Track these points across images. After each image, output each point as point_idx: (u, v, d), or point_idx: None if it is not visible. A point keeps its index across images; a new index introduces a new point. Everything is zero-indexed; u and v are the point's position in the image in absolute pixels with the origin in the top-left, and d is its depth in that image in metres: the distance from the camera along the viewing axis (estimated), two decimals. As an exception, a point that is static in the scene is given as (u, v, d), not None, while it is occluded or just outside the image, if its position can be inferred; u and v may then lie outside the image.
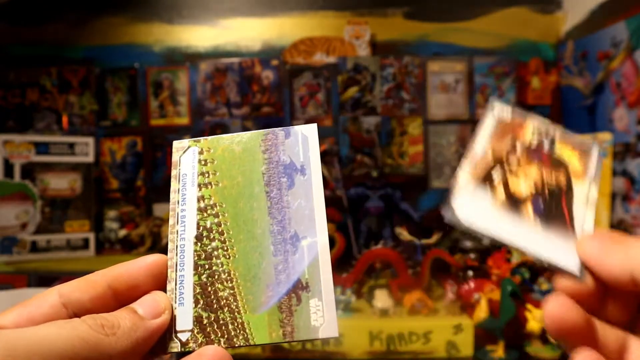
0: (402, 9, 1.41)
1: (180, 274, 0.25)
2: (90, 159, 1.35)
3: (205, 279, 0.25)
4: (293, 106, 1.41)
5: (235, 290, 0.24)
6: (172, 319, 0.24)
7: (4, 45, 1.44)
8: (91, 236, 1.33)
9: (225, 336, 0.23)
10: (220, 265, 0.25)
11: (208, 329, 0.24)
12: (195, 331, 0.24)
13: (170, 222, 0.26)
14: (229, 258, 0.25)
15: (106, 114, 1.44)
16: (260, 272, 0.25)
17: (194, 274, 0.25)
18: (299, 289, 0.24)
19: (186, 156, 0.27)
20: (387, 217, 1.29)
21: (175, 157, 0.27)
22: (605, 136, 1.17)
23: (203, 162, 0.27)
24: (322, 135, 1.40)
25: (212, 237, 0.25)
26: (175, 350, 0.23)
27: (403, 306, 1.02)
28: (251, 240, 0.25)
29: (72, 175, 1.33)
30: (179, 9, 1.43)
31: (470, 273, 1.08)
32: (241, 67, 1.41)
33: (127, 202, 1.43)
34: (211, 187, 0.27)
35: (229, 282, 0.24)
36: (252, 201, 0.26)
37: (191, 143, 0.28)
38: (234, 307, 0.24)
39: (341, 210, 1.24)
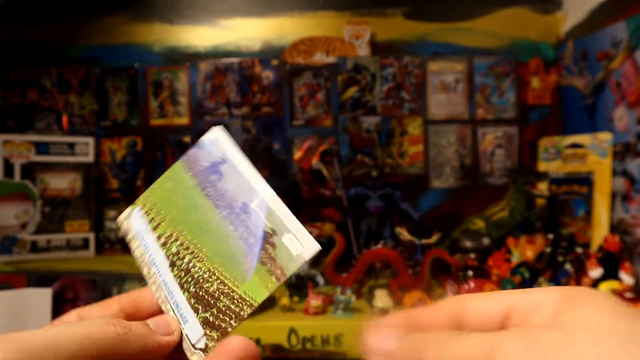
0: (402, 9, 1.41)
1: (172, 302, 0.26)
2: (90, 159, 1.35)
3: (193, 289, 0.26)
4: (293, 106, 1.41)
5: (221, 277, 0.26)
6: (186, 338, 0.25)
7: (4, 45, 1.44)
8: (91, 236, 1.33)
9: (233, 316, 0.24)
10: (199, 270, 0.27)
11: (217, 322, 0.25)
12: (208, 331, 0.25)
13: (145, 271, 0.28)
14: (203, 260, 0.27)
15: (106, 114, 1.44)
16: (232, 250, 0.26)
17: (183, 293, 0.26)
18: (269, 238, 0.26)
19: (133, 219, 0.30)
20: (387, 217, 1.29)
21: (125, 225, 0.30)
22: (605, 136, 1.17)
23: (147, 213, 0.30)
24: (322, 135, 1.40)
25: (181, 256, 0.28)
26: (201, 359, 0.25)
27: (403, 306, 1.02)
28: (212, 234, 0.27)
29: (72, 175, 1.33)
30: (179, 9, 1.43)
31: (470, 273, 1.08)
32: (241, 67, 1.41)
33: (127, 202, 1.43)
34: (163, 224, 0.29)
35: (212, 276, 0.26)
36: (198, 209, 0.28)
37: (131, 207, 0.31)
38: (227, 291, 0.25)
39: (341, 210, 1.24)
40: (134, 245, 0.29)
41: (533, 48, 1.40)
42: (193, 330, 0.25)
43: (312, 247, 0.25)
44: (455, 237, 1.24)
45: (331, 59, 1.40)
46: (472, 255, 1.15)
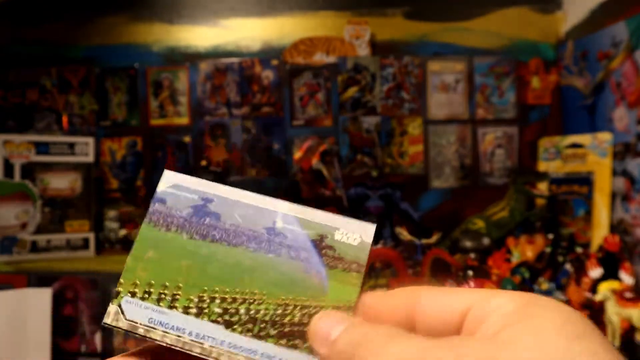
0: (402, 9, 1.41)
1: (259, 357, 0.24)
2: (90, 159, 1.35)
3: (275, 331, 0.24)
4: (293, 106, 1.41)
5: (299, 304, 0.24)
6: None
7: (4, 45, 1.44)
8: (91, 236, 1.33)
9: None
10: (267, 311, 0.24)
11: None
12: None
13: (197, 350, 0.24)
14: (263, 301, 0.25)
15: (106, 114, 1.44)
16: (288, 274, 0.25)
17: (266, 341, 0.24)
18: (320, 244, 0.25)
19: (129, 311, 0.24)
20: (387, 217, 1.29)
21: (122, 323, 0.24)
22: (605, 136, 1.17)
23: (146, 295, 0.25)
24: (322, 135, 1.40)
25: (233, 311, 0.24)
26: None
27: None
28: (253, 273, 0.25)
29: (72, 175, 1.33)
30: (179, 9, 1.43)
31: (470, 273, 1.08)
32: (241, 67, 1.41)
33: (127, 202, 1.43)
34: (180, 295, 0.25)
35: (287, 308, 0.24)
36: (214, 259, 0.25)
37: (115, 303, 0.25)
38: (314, 311, 0.24)
39: (341, 210, 1.24)
40: (158, 336, 0.24)
41: (533, 48, 1.40)
42: None
43: (368, 229, 0.25)
44: (455, 237, 1.24)
45: (331, 59, 1.40)
46: (472, 255, 1.15)
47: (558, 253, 1.13)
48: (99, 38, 1.44)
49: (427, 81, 1.40)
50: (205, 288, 0.25)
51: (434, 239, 1.15)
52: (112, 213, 1.40)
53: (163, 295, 0.25)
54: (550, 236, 1.15)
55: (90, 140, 1.36)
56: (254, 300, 0.24)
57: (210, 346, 0.24)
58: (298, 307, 0.24)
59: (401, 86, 1.39)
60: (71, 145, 1.33)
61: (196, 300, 0.24)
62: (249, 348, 0.24)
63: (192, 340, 0.24)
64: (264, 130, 1.41)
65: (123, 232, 1.38)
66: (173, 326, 0.24)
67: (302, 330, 0.24)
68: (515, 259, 1.14)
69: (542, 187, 1.28)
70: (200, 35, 1.43)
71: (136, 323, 0.24)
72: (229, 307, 0.24)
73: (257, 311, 0.24)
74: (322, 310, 0.23)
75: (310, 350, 0.23)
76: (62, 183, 1.32)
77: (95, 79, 1.44)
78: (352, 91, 1.40)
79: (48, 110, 1.44)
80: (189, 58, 1.43)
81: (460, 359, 0.17)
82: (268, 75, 1.41)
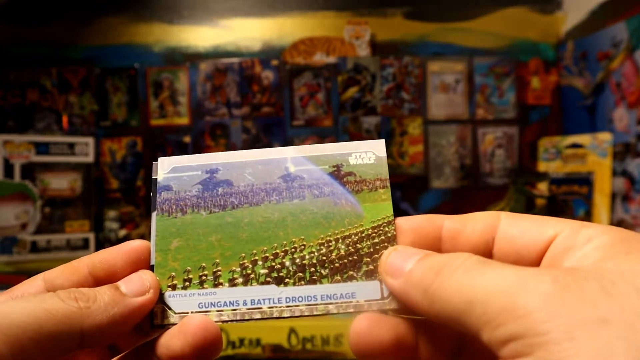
0: (402, 9, 1.41)
1: (320, 300, 0.24)
2: (90, 159, 1.35)
3: (326, 271, 0.24)
4: (293, 106, 1.41)
5: (339, 236, 0.25)
6: (370, 306, 0.23)
7: (4, 45, 1.44)
8: (91, 236, 1.33)
9: (385, 244, 0.24)
10: (313, 254, 0.24)
11: (376, 264, 0.24)
12: (378, 277, 0.24)
13: (257, 316, 0.24)
14: (304, 245, 0.25)
15: (106, 114, 1.44)
16: (321, 212, 0.25)
17: (322, 283, 0.24)
18: (339, 173, 0.25)
19: (177, 305, 0.24)
20: (387, 217, 1.29)
21: (174, 321, 0.24)
22: (605, 136, 1.17)
23: (186, 283, 0.24)
24: (322, 136, 1.40)
25: (278, 267, 0.24)
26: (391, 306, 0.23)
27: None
28: (285, 222, 0.25)
29: (72, 175, 1.33)
30: (179, 9, 1.43)
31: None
32: (241, 67, 1.41)
33: (127, 202, 1.43)
34: (221, 271, 0.24)
35: (330, 244, 0.24)
36: (241, 224, 0.25)
37: (159, 308, 0.24)
38: (357, 238, 0.24)
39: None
40: (214, 317, 0.23)
41: (533, 48, 1.40)
42: (368, 292, 0.23)
43: (379, 144, 0.25)
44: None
45: (331, 59, 1.40)
46: (472, 256, 1.14)
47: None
48: (99, 38, 1.44)
49: (427, 81, 1.40)
50: (243, 254, 0.24)
51: (434, 239, 1.15)
52: (112, 213, 1.40)
53: (204, 277, 0.24)
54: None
55: (90, 141, 1.35)
56: (296, 248, 0.24)
57: (269, 307, 0.23)
58: (340, 240, 0.24)
59: (401, 86, 1.39)
60: (71, 146, 1.33)
61: (239, 269, 0.24)
62: (307, 295, 0.23)
63: (249, 309, 0.23)
64: (264, 130, 1.41)
65: (123, 232, 1.38)
66: (225, 302, 0.24)
67: (352, 260, 0.24)
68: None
69: (542, 187, 1.28)
70: (200, 35, 1.43)
71: (187, 313, 0.24)
72: (273, 264, 0.24)
73: (302, 258, 0.24)
74: (389, 247, 0.23)
75: (368, 277, 0.23)
76: (62, 183, 1.32)
77: (95, 79, 1.44)
78: (352, 91, 1.40)
79: (48, 110, 1.44)
80: (189, 58, 1.43)
81: (562, 293, 0.15)
82: (268, 76, 1.41)
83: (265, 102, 1.41)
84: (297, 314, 0.23)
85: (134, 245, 0.25)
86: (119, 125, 1.44)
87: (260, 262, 0.24)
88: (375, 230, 0.24)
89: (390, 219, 0.24)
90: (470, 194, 1.39)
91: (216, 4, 1.43)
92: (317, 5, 1.41)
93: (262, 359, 0.99)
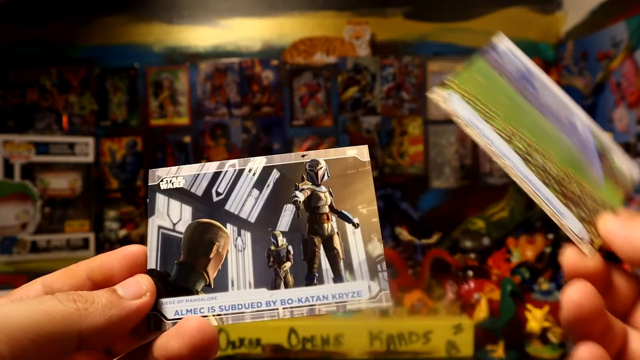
0: (402, 9, 1.41)
1: (542, 196, 0.26)
2: (90, 159, 1.35)
3: (557, 187, 0.27)
4: (293, 106, 1.41)
5: (578, 180, 0.27)
6: (569, 230, 0.26)
7: (4, 45, 1.44)
8: (91, 236, 1.33)
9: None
10: (554, 170, 0.27)
11: (590, 219, 0.26)
12: (586, 226, 0.26)
13: (495, 159, 0.27)
14: (554, 161, 0.27)
15: (106, 114, 1.44)
16: (576, 158, 0.28)
17: (549, 189, 0.27)
18: (601, 155, 0.28)
19: (455, 104, 0.27)
20: (387, 217, 1.29)
21: (446, 106, 0.27)
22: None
23: (472, 103, 0.28)
24: (322, 135, 1.40)
25: (531, 153, 0.27)
26: None
27: (403, 306, 1.02)
28: (551, 139, 0.28)
29: (72, 175, 1.33)
30: (179, 9, 1.43)
31: (470, 273, 1.08)
32: (241, 67, 1.41)
33: (127, 202, 1.43)
34: (497, 119, 0.28)
35: (569, 177, 0.27)
36: (525, 112, 0.29)
37: (444, 89, 0.28)
38: (589, 193, 0.27)
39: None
40: (468, 130, 0.27)
41: (533, 48, 1.40)
42: (573, 223, 0.26)
43: (636, 169, 0.28)
44: (455, 237, 1.24)
45: (331, 59, 1.40)
46: (472, 255, 1.15)
47: (558, 253, 1.13)
48: (99, 38, 1.44)
49: (427, 81, 1.40)
50: (516, 127, 0.28)
51: (434, 239, 1.15)
52: (112, 213, 1.40)
53: (485, 111, 0.28)
54: (550, 236, 1.15)
55: (90, 140, 1.36)
56: (547, 156, 0.27)
57: (508, 165, 0.27)
58: (576, 183, 0.27)
59: (401, 86, 1.39)
60: (71, 146, 1.33)
61: (509, 130, 0.27)
62: (537, 186, 0.27)
63: (495, 152, 0.27)
64: (264, 130, 1.42)
65: (123, 232, 1.38)
66: (485, 134, 0.27)
67: (575, 199, 0.27)
68: (515, 259, 1.14)
69: (542, 187, 1.28)
70: (200, 35, 1.43)
71: (458, 113, 0.27)
72: (529, 149, 0.27)
73: (549, 166, 0.27)
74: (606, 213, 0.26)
75: (579, 218, 0.26)
76: (62, 183, 1.32)
77: (95, 79, 1.44)
78: (352, 91, 1.40)
79: (48, 110, 1.44)
80: (189, 58, 1.43)
81: None
82: (268, 76, 1.41)
83: (265, 102, 1.41)
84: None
85: (131, 250, 0.25)
86: (119, 125, 1.44)
87: (523, 140, 0.28)
88: (600, 202, 0.27)
89: (614, 208, 0.27)
90: (470, 193, 1.39)
91: (216, 4, 1.43)
92: (317, 5, 1.41)
93: (262, 359, 0.99)
